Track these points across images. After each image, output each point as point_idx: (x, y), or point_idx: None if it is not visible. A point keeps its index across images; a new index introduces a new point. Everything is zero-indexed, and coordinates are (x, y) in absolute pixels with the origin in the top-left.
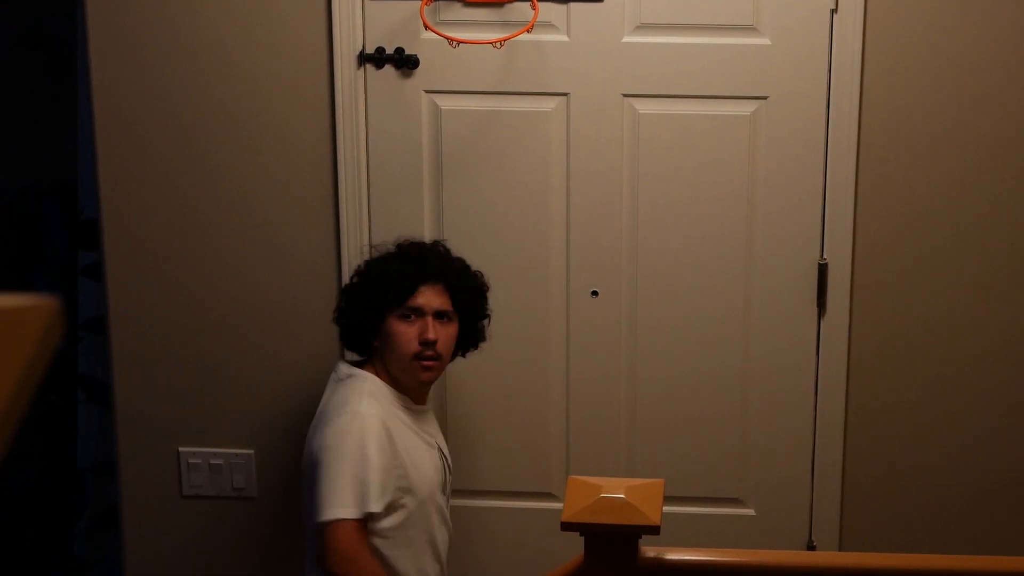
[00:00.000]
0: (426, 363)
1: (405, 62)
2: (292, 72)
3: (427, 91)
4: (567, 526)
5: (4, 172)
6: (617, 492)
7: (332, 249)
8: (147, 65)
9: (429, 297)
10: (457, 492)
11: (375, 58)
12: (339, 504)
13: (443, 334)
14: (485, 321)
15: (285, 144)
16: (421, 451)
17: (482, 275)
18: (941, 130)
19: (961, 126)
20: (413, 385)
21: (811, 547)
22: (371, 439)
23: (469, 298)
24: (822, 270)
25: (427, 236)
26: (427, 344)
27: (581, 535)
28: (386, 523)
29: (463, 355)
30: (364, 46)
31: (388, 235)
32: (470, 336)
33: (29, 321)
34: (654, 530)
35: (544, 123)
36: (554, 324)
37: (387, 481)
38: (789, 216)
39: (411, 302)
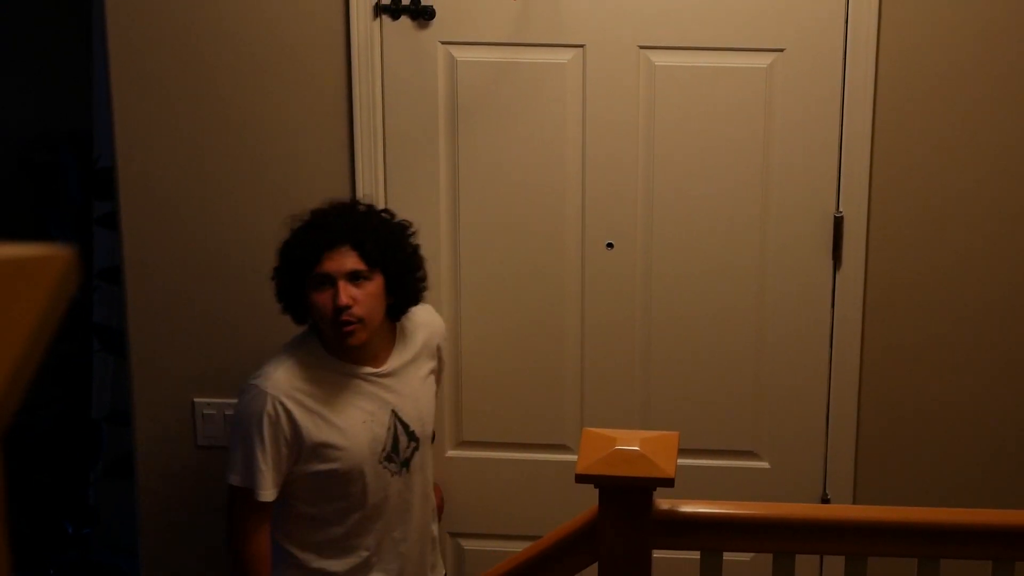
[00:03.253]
0: (346, 328)
1: (421, 13)
2: (308, 23)
3: (443, 42)
4: (581, 478)
5: (19, 120)
6: (632, 444)
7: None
8: (163, 13)
9: (337, 261)
10: (471, 444)
11: (391, 9)
12: (233, 470)
13: (360, 295)
14: (418, 271)
15: (301, 95)
16: (352, 419)
17: (405, 225)
18: (958, 82)
19: (979, 79)
20: (344, 348)
21: (825, 500)
22: (264, 421)
23: (385, 251)
24: (838, 223)
25: (442, 188)
26: (340, 309)
27: (595, 487)
28: (304, 483)
29: (409, 305)
30: None
31: (404, 187)
32: (401, 288)
33: (44, 270)
34: (668, 482)
35: (560, 75)
36: (569, 276)
37: (280, 464)
38: (805, 169)
39: (318, 270)
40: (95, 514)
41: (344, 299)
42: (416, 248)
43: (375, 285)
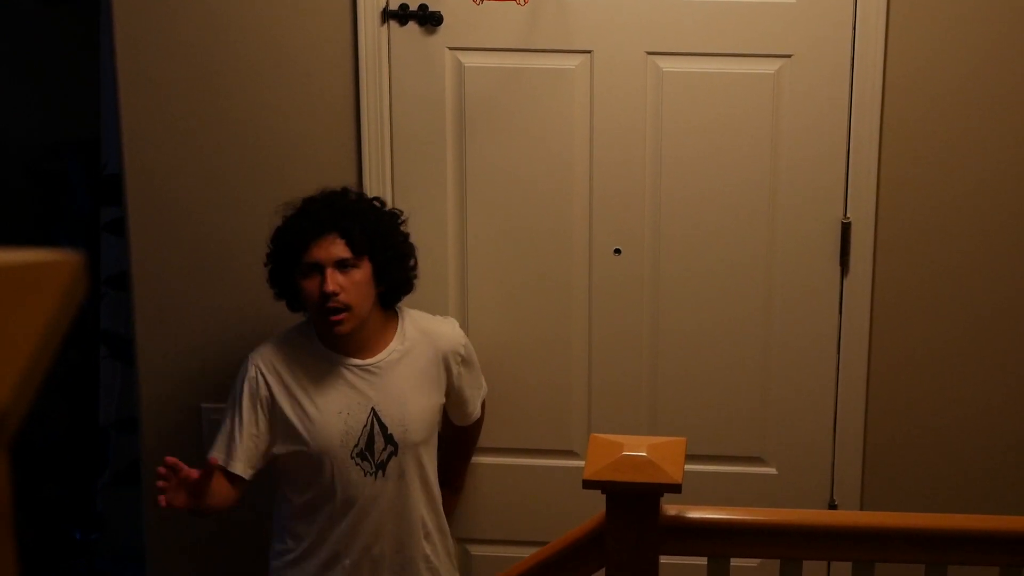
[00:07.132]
0: (333, 317)
1: (428, 19)
2: (315, 29)
3: (450, 48)
4: (589, 484)
5: (27, 128)
6: (639, 450)
7: None
8: (170, 20)
9: (325, 249)
10: (478, 449)
11: (398, 15)
12: (214, 445)
13: (347, 283)
14: (407, 259)
15: (309, 101)
16: (327, 407)
17: (395, 213)
18: (965, 88)
19: (986, 84)
20: (333, 337)
21: (832, 506)
22: (245, 389)
23: (373, 239)
24: (845, 229)
25: (450, 193)
26: (327, 296)
27: (603, 493)
28: (281, 464)
29: (400, 293)
30: (387, 2)
31: (411, 193)
32: (390, 276)
33: (53, 276)
34: (676, 488)
35: (568, 81)
36: (577, 282)
37: (259, 442)
38: (812, 175)
39: (306, 259)
40: (102, 521)
41: (331, 286)
42: (406, 236)
43: (363, 273)
